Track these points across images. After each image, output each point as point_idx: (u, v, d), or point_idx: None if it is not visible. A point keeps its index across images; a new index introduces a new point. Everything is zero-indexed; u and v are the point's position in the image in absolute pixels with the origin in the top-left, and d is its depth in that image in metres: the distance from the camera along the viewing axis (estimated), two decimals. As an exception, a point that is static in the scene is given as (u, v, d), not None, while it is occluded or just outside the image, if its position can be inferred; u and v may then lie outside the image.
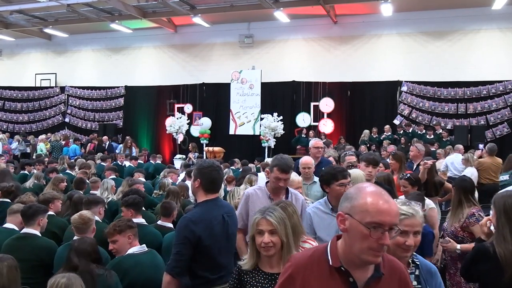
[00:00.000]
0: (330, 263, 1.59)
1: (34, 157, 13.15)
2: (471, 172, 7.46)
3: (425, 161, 5.26)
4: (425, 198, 4.38)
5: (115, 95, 16.93)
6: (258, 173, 6.93)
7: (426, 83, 13.29)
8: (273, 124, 13.52)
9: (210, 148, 13.89)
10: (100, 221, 4.30)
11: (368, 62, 13.84)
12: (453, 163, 8.65)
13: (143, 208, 4.72)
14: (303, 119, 14.33)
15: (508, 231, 2.54)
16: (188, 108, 15.58)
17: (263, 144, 13.65)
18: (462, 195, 3.67)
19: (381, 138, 12.52)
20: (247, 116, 14.63)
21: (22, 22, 15.31)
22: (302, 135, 13.44)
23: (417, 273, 2.15)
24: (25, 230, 3.70)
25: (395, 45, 13.78)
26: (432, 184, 5.23)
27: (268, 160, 10.62)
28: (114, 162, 10.61)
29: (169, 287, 2.66)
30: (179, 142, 15.07)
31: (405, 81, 13.46)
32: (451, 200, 4.06)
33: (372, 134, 12.94)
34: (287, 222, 2.36)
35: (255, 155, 13.08)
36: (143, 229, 3.99)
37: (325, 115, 14.14)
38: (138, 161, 11.05)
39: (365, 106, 13.96)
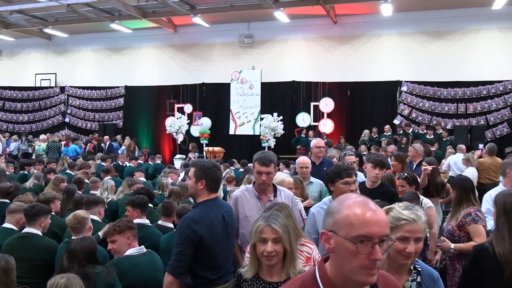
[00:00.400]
0: None
1: (34, 157, 13.16)
2: (472, 172, 7.46)
3: (425, 167, 5.27)
4: (423, 197, 4.40)
5: (115, 95, 16.93)
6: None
7: (426, 83, 13.30)
8: (273, 124, 13.53)
9: (210, 148, 13.89)
10: (100, 221, 4.31)
11: (368, 62, 13.84)
12: (456, 163, 8.65)
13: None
14: (303, 119, 14.33)
15: (507, 230, 2.54)
16: (188, 108, 15.59)
17: (263, 144, 13.64)
18: (462, 194, 3.66)
19: (381, 140, 12.51)
20: (247, 116, 14.63)
21: (22, 22, 15.31)
22: (302, 135, 13.44)
23: (418, 280, 2.07)
24: (26, 229, 3.70)
25: (395, 45, 13.78)
26: (434, 185, 5.23)
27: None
28: (114, 163, 10.60)
29: (171, 287, 2.65)
30: (179, 142, 15.07)
31: (405, 81, 13.47)
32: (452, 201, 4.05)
33: (372, 134, 12.94)
34: (291, 230, 2.26)
35: (255, 155, 13.05)
36: (147, 230, 3.98)
37: (325, 115, 14.15)
38: (138, 161, 11.04)
39: (365, 106, 13.96)
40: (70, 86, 17.58)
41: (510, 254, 2.47)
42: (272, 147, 13.58)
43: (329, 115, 14.16)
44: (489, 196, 3.92)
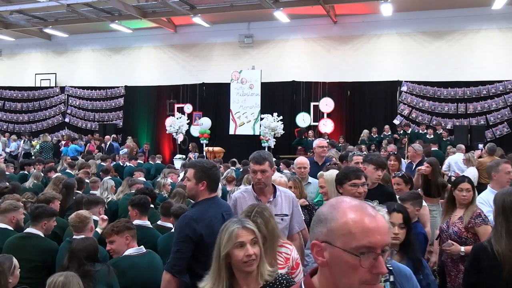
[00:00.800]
0: None
1: (33, 157, 13.16)
2: (473, 173, 7.45)
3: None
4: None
5: (115, 95, 16.93)
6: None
7: (426, 83, 13.29)
8: (273, 124, 13.53)
9: (210, 148, 13.89)
10: (100, 221, 4.31)
11: (368, 62, 13.84)
12: (457, 162, 8.66)
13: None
14: (303, 119, 14.33)
15: (505, 229, 2.55)
16: (188, 108, 15.59)
17: (263, 144, 13.64)
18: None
19: (382, 140, 12.49)
20: (247, 116, 14.63)
21: (22, 22, 15.31)
22: (305, 137, 13.32)
23: (391, 279, 2.02)
24: (28, 229, 3.71)
25: (395, 45, 13.78)
26: (435, 186, 5.24)
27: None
28: (114, 163, 10.60)
29: (169, 286, 2.64)
30: (179, 142, 15.07)
31: (405, 81, 13.47)
32: None
33: (372, 134, 12.94)
34: (263, 228, 2.15)
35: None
36: (147, 232, 3.96)
37: (325, 115, 14.15)
38: (138, 161, 11.04)
39: (365, 106, 13.96)
40: (70, 86, 17.58)
41: (508, 253, 2.49)
42: (272, 147, 13.60)
43: (329, 115, 14.16)
44: (480, 199, 3.91)
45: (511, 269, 2.46)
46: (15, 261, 2.74)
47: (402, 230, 2.71)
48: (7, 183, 5.73)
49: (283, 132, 13.74)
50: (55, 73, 17.95)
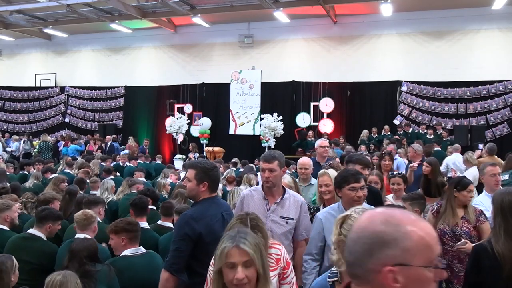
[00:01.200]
0: None
1: (33, 157, 13.16)
2: (474, 173, 7.43)
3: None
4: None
5: (115, 95, 16.93)
6: (258, 173, 6.93)
7: (426, 83, 13.29)
8: (273, 124, 13.53)
9: (210, 148, 13.88)
10: (100, 221, 4.30)
11: (368, 62, 13.84)
12: (455, 163, 8.64)
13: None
14: (303, 119, 14.33)
15: (503, 229, 2.55)
16: (188, 108, 15.59)
17: (263, 144, 13.64)
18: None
19: (382, 139, 12.48)
20: (247, 116, 14.63)
21: (22, 22, 15.31)
22: (307, 139, 13.30)
23: None
24: (31, 230, 3.71)
25: (395, 45, 13.78)
26: (435, 185, 5.25)
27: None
28: (115, 163, 10.60)
29: (167, 284, 2.63)
30: (179, 142, 15.07)
31: (405, 81, 13.47)
32: None
33: (372, 134, 12.94)
34: (263, 248, 1.86)
35: (255, 155, 13.03)
36: (145, 234, 3.93)
37: (325, 115, 14.15)
38: (138, 161, 11.04)
39: (365, 106, 13.96)
40: (70, 86, 17.58)
41: (508, 252, 2.49)
42: (272, 147, 13.58)
43: (329, 115, 14.15)
44: (476, 201, 3.93)
45: (511, 268, 2.46)
46: (15, 260, 2.75)
47: None
48: (8, 184, 5.73)
49: (283, 132, 13.72)
50: (55, 73, 17.95)
